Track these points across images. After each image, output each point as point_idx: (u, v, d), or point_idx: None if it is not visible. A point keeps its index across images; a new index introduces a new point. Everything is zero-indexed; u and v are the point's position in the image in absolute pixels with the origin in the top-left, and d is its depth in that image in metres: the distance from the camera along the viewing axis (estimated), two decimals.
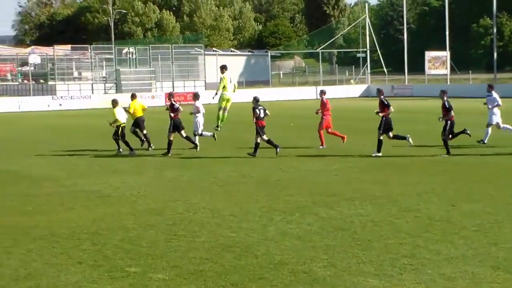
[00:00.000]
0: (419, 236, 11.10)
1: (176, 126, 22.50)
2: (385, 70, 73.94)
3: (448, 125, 20.96)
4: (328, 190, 15.48)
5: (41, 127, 34.13)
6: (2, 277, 9.39)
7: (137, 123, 24.01)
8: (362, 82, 73.23)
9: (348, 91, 67.90)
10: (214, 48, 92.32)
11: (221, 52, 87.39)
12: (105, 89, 66.04)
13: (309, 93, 65.09)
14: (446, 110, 21.04)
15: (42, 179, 18.22)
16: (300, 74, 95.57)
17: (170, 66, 68.11)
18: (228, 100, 23.33)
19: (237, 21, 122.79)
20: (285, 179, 17.27)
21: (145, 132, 23.99)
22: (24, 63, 78.31)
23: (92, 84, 65.57)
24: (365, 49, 76.46)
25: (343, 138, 23.58)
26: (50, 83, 66.45)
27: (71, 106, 55.29)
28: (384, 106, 21.10)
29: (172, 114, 22.50)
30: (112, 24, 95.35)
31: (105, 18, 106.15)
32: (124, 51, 74.74)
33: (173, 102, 22.79)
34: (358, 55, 77.64)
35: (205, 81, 70.40)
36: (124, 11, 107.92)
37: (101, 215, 13.34)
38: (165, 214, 13.35)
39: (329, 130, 23.73)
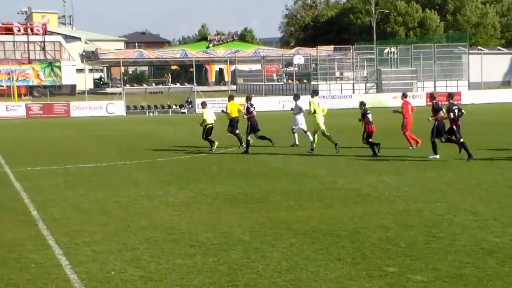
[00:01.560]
0: None
1: (252, 127, 24.90)
2: None
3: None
4: None
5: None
6: (266, 268, 9.78)
7: (231, 124, 26.06)
8: None
9: None
10: (479, 47, 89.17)
11: (486, 51, 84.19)
12: (366, 89, 66.55)
13: None
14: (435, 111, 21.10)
15: (303, 176, 18.76)
16: None
17: (432, 65, 66.94)
18: (319, 125, 24.12)
19: (505, 18, 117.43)
20: None
21: (237, 132, 26.03)
22: (289, 63, 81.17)
23: (353, 84, 66.38)
24: None
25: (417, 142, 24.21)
26: (312, 83, 68.26)
27: (333, 105, 56.28)
28: (435, 111, 21.16)
29: (246, 116, 25.11)
30: (374, 24, 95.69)
31: (368, 19, 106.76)
32: (386, 51, 74.69)
33: (249, 106, 25.26)
34: None
35: (468, 80, 68.27)
36: (387, 11, 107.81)
37: (360, 213, 13.44)
38: (424, 215, 13.13)
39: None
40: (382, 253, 10.40)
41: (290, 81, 74.02)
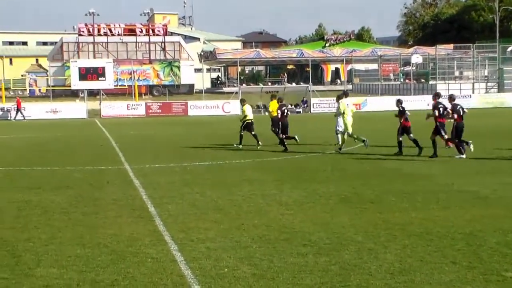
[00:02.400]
0: None
1: (283, 127, 26.09)
2: None
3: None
4: None
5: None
6: (378, 270, 9.67)
7: (273, 123, 27.00)
8: None
9: None
10: None
11: None
12: (486, 89, 64.68)
13: None
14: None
15: (418, 177, 18.43)
16: None
17: None
18: (347, 125, 24.87)
19: None
20: None
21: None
22: (407, 63, 80.00)
23: (473, 84, 64.67)
24: None
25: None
26: (430, 82, 66.99)
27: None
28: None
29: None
30: (497, 22, 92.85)
31: (490, 16, 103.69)
32: (509, 49, 72.36)
33: (282, 107, 26.43)
34: None
35: None
36: (511, 8, 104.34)
37: (477, 216, 13.07)
38: None
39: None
40: (500, 258, 10.08)
41: (407, 80, 72.90)
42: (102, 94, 59.97)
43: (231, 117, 52.43)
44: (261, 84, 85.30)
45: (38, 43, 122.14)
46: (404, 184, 17.28)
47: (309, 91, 59.30)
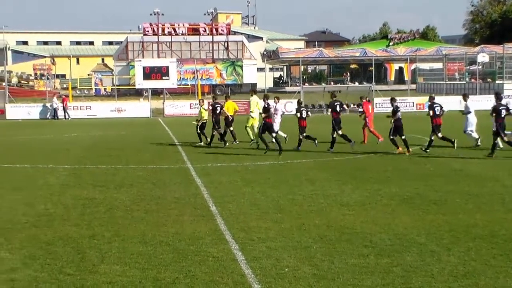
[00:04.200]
0: None
1: (216, 123, 27.97)
2: None
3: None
4: None
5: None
6: (441, 272, 9.54)
7: (225, 122, 28.59)
8: None
9: None
10: None
11: None
12: None
13: None
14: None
15: (483, 179, 18.10)
16: None
17: None
18: (254, 120, 27.71)
19: None
20: None
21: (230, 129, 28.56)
22: (472, 62, 78.63)
23: None
24: None
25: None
26: (497, 82, 65.68)
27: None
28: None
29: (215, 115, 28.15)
30: None
31: None
32: None
33: (215, 104, 28.22)
34: None
35: None
36: None
37: None
38: None
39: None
40: None
41: (473, 80, 71.62)
42: (166, 93, 60.56)
43: (291, 117, 52.32)
44: (323, 84, 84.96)
45: (104, 43, 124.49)
46: (469, 185, 17.00)
47: (372, 90, 58.77)
